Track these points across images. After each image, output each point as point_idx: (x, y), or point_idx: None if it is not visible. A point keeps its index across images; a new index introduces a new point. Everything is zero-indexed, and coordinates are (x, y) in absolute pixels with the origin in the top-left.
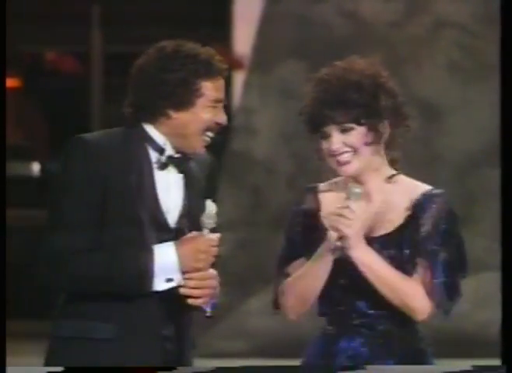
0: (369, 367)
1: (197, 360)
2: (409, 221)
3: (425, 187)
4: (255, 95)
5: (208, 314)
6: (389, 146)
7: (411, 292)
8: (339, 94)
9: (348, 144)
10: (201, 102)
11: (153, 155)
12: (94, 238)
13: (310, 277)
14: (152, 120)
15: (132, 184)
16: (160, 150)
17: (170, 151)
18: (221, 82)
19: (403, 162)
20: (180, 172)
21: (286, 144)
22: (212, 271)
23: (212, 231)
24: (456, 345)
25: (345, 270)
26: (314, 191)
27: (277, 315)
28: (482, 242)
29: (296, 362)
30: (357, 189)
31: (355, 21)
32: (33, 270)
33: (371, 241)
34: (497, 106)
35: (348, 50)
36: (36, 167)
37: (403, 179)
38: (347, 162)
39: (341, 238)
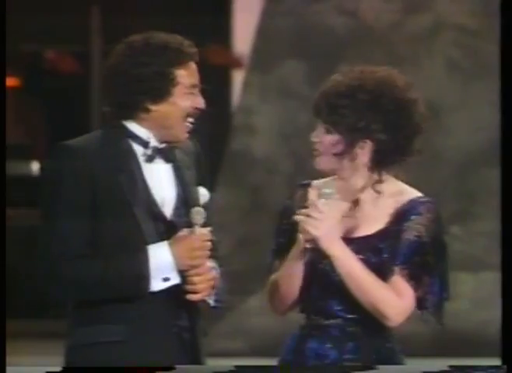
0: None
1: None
2: (391, 227)
3: (413, 194)
4: (255, 94)
5: (212, 304)
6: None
7: (384, 298)
8: (336, 94)
9: (321, 144)
10: (177, 90)
11: (139, 150)
12: (89, 242)
13: (285, 277)
14: (133, 116)
15: (123, 183)
16: (145, 144)
17: (154, 143)
18: (193, 67)
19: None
20: (168, 161)
21: (286, 144)
22: (209, 264)
23: (203, 225)
24: (456, 345)
25: (318, 271)
26: (306, 188)
27: (276, 314)
28: (482, 242)
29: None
30: (328, 190)
31: (355, 20)
32: (32, 277)
33: (349, 242)
34: (497, 105)
35: (348, 50)
36: (35, 166)
37: (393, 183)
38: (316, 156)
39: (309, 240)
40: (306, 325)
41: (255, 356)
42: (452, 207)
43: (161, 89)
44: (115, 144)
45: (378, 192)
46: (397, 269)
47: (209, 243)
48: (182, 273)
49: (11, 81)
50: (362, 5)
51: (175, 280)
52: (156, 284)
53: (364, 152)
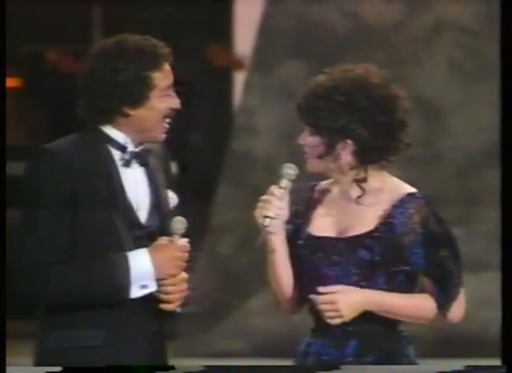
0: (369, 367)
1: (197, 359)
2: (384, 225)
3: (405, 190)
4: (256, 95)
5: (177, 311)
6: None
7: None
8: (313, 96)
9: (307, 145)
10: (155, 94)
11: (116, 154)
12: (68, 248)
13: (271, 272)
14: (110, 121)
15: (101, 187)
16: (122, 148)
17: (131, 147)
18: (168, 68)
19: (403, 162)
20: (142, 165)
21: (287, 144)
22: (184, 274)
23: (183, 235)
24: (456, 345)
25: (310, 266)
26: (312, 189)
27: (278, 314)
28: (482, 242)
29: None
30: (290, 170)
31: (357, 21)
32: (10, 282)
33: (339, 241)
34: (498, 106)
35: (349, 51)
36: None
37: (385, 179)
38: (306, 159)
39: (265, 226)
40: (314, 327)
41: (257, 356)
42: (453, 208)
43: (139, 94)
44: (93, 148)
45: (363, 189)
46: (390, 269)
47: (187, 255)
48: (158, 282)
49: (12, 82)
50: (364, 5)
51: (152, 287)
52: (135, 291)
53: (346, 152)
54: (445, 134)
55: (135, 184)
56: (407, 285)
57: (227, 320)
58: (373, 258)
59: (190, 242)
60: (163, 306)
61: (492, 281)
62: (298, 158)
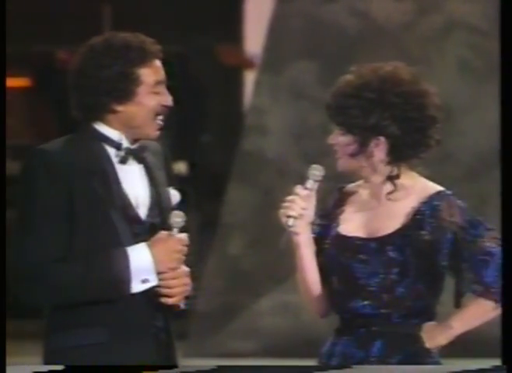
0: (369, 367)
1: (206, 359)
2: (413, 222)
3: (434, 189)
4: (266, 95)
5: (182, 307)
6: (399, 157)
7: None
8: (343, 95)
9: (337, 146)
10: (142, 90)
11: (111, 152)
12: (67, 247)
13: (299, 273)
14: (102, 118)
15: (97, 185)
16: (117, 145)
17: (126, 144)
18: (158, 65)
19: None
20: (140, 162)
21: (297, 144)
22: (184, 268)
23: (182, 228)
24: (456, 345)
25: (338, 264)
26: (341, 190)
27: (288, 314)
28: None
29: (307, 362)
30: (317, 171)
31: (367, 21)
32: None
33: (370, 240)
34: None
35: (359, 51)
36: None
37: (414, 178)
38: (337, 158)
39: (289, 226)
40: (339, 327)
41: (267, 356)
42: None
43: (125, 90)
44: (88, 147)
45: (396, 186)
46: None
47: (186, 248)
48: (159, 275)
49: (22, 81)
50: (374, 5)
51: (153, 281)
52: (136, 286)
53: (379, 149)
54: (455, 133)
55: (133, 181)
56: (434, 283)
57: (237, 320)
58: (403, 257)
59: (189, 236)
60: (165, 300)
61: None
62: (308, 158)
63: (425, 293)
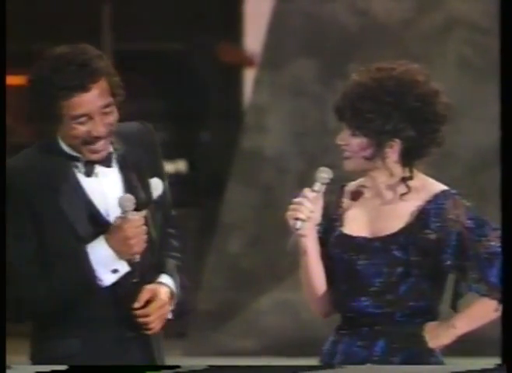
0: (369, 367)
1: (206, 358)
2: (417, 221)
3: (441, 186)
4: (266, 93)
5: (169, 317)
6: (413, 158)
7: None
8: (358, 97)
9: (349, 147)
10: (66, 119)
11: (72, 164)
12: (33, 261)
13: (303, 273)
14: (57, 132)
15: (61, 201)
16: (75, 158)
17: (84, 157)
18: (82, 99)
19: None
20: (108, 167)
21: (297, 142)
22: (158, 301)
23: (135, 210)
24: (456, 344)
25: (342, 263)
26: (342, 190)
27: (288, 313)
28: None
29: (308, 361)
30: (325, 174)
31: (367, 19)
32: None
33: (374, 240)
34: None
35: (359, 49)
36: None
37: (422, 177)
38: (346, 158)
39: (296, 229)
40: (340, 326)
41: (267, 355)
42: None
43: (53, 115)
44: (52, 160)
45: (409, 188)
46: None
47: (144, 228)
48: (130, 263)
49: (22, 81)
50: (374, 3)
51: (124, 269)
52: (107, 278)
53: (394, 151)
54: (455, 131)
55: (101, 191)
56: (438, 282)
57: (237, 318)
58: (407, 256)
59: (190, 235)
60: (147, 332)
61: None
62: (309, 156)
63: (428, 292)
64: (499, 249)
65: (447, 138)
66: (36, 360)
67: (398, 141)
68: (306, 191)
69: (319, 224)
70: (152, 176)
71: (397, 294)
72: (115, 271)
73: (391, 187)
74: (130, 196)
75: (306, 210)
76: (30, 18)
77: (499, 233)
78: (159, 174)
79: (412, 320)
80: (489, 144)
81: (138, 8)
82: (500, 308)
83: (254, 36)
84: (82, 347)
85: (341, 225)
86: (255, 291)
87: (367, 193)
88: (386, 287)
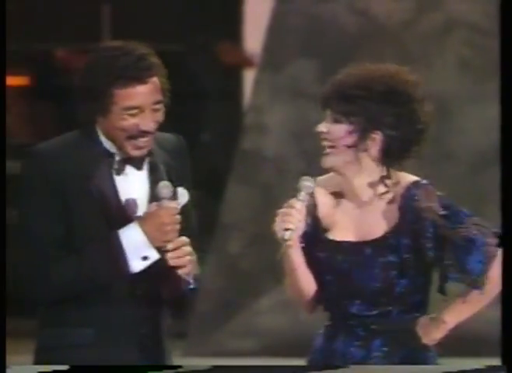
0: (369, 367)
1: (206, 358)
2: (400, 222)
3: (410, 179)
4: (266, 93)
5: (191, 286)
6: (390, 155)
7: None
8: (349, 85)
9: (330, 135)
10: (116, 109)
11: (106, 160)
12: (62, 244)
13: (288, 275)
14: (97, 124)
15: (92, 189)
16: (109, 154)
17: (120, 154)
18: (138, 90)
19: (414, 160)
20: (139, 169)
21: (297, 143)
22: (184, 238)
23: (171, 199)
24: (455, 345)
25: (333, 275)
26: (317, 192)
27: (287, 313)
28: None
29: (307, 361)
30: (308, 182)
31: (367, 19)
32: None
33: (364, 245)
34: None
35: (359, 49)
36: None
37: (394, 174)
38: (325, 154)
39: (285, 239)
40: (332, 324)
41: (266, 355)
42: (464, 206)
43: (102, 104)
44: (87, 149)
45: (388, 187)
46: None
47: (178, 217)
48: (159, 249)
49: (22, 80)
50: (374, 3)
51: (154, 257)
52: (137, 264)
53: (375, 144)
54: (456, 132)
55: (129, 190)
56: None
57: (236, 319)
58: (398, 257)
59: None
60: (173, 271)
61: None
62: (308, 157)
63: (422, 286)
64: (476, 237)
65: (447, 138)
66: (44, 346)
67: (380, 135)
68: (293, 201)
69: (304, 232)
70: (179, 186)
71: (392, 295)
72: (145, 258)
73: (369, 187)
74: (168, 184)
75: (296, 221)
76: (30, 18)
77: (474, 220)
78: (186, 185)
79: (409, 315)
80: (489, 144)
81: (138, 8)
82: (485, 297)
83: (254, 36)
84: (95, 339)
85: (324, 230)
86: (254, 292)
87: (345, 195)
88: (381, 290)
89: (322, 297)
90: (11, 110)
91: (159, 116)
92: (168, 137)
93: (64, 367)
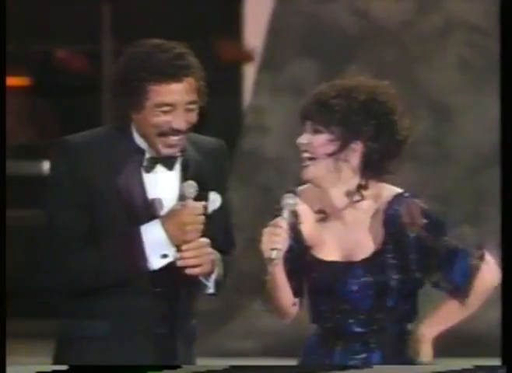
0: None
1: (206, 359)
2: (385, 239)
3: (392, 192)
4: (266, 93)
5: (211, 290)
6: (370, 166)
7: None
8: (330, 95)
9: (311, 146)
10: (149, 105)
11: (137, 157)
12: (86, 237)
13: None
14: (130, 121)
15: (120, 185)
16: (140, 151)
17: (151, 152)
18: (174, 88)
19: (414, 162)
20: (170, 170)
21: (296, 144)
22: (204, 239)
23: (196, 199)
24: (456, 345)
25: (328, 290)
26: (298, 210)
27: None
28: (494, 242)
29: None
30: (291, 200)
31: (367, 20)
32: (33, 272)
33: (354, 266)
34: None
35: (359, 50)
36: (47, 166)
37: (375, 186)
38: (305, 166)
39: (272, 258)
40: (327, 337)
41: (267, 356)
42: (463, 207)
43: (136, 100)
44: (118, 144)
45: (363, 196)
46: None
47: (202, 217)
48: (179, 248)
49: (22, 81)
50: (374, 4)
51: (173, 256)
52: (156, 262)
53: (355, 155)
54: (455, 133)
55: (157, 189)
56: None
57: (236, 320)
58: (384, 276)
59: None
60: (190, 271)
61: None
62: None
63: (412, 295)
64: (459, 247)
65: (447, 139)
66: (65, 338)
67: (360, 145)
68: (279, 220)
69: (287, 250)
70: (212, 190)
71: (385, 310)
72: (165, 256)
73: (345, 195)
74: (193, 184)
75: (282, 240)
76: (30, 18)
77: (457, 231)
78: (220, 190)
79: (401, 324)
80: (489, 144)
81: (138, 8)
82: (466, 308)
83: (254, 36)
84: (110, 332)
85: (311, 249)
86: (255, 293)
87: (327, 211)
88: (373, 308)
89: (314, 314)
90: (9, 110)
91: (193, 117)
92: (208, 140)
93: (64, 367)
